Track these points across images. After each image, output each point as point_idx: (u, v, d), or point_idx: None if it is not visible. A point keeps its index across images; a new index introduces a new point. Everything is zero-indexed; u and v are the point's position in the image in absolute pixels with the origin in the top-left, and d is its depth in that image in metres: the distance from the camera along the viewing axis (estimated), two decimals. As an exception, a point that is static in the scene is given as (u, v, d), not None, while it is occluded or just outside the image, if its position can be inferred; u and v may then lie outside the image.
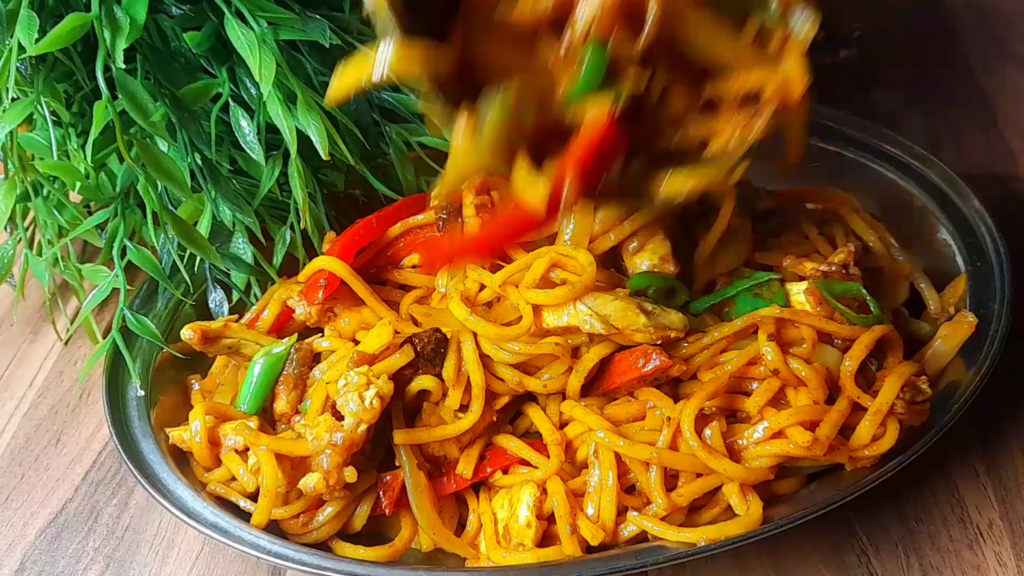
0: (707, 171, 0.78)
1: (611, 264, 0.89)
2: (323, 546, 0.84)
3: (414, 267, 0.97)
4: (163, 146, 0.95)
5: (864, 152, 1.11)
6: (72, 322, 1.11)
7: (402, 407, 0.86)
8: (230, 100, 0.96)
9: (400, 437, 0.84)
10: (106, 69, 0.89)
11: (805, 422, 0.80)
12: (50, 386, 1.06)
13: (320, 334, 0.95)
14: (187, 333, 0.93)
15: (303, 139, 0.93)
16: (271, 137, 0.98)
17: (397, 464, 0.84)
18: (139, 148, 0.92)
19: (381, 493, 0.84)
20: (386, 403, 0.83)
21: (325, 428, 0.82)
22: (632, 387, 0.86)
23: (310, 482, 0.82)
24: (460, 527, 0.86)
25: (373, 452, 0.85)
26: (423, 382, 0.85)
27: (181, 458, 0.89)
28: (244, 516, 0.84)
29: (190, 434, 0.88)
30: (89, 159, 0.96)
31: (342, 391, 0.82)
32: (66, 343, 1.10)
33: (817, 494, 0.82)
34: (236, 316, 0.98)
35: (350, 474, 0.81)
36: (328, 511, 0.83)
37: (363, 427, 0.82)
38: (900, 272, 0.97)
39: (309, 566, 0.79)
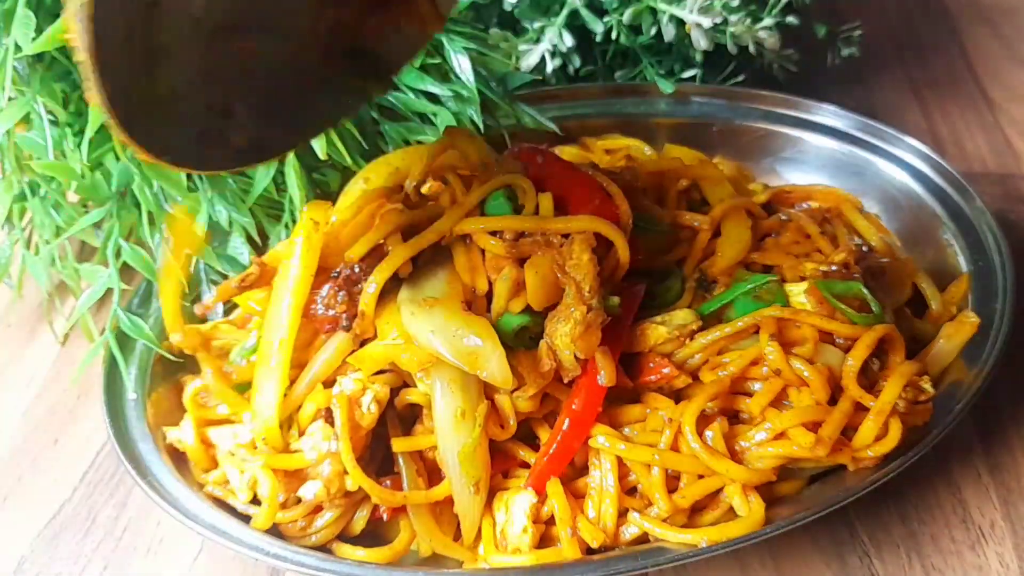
0: None
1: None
2: (323, 547, 0.84)
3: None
4: (160, 145, 0.95)
5: (866, 151, 1.10)
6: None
7: (396, 414, 0.86)
8: (228, 99, 0.95)
9: (399, 444, 0.84)
10: (103, 68, 0.89)
11: (808, 423, 0.80)
12: (48, 386, 1.06)
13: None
14: (175, 337, 0.93)
15: (301, 138, 0.93)
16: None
17: (396, 471, 0.84)
18: (136, 147, 0.92)
19: (380, 498, 0.84)
20: (383, 407, 0.82)
21: (322, 437, 0.82)
22: (638, 390, 0.86)
23: (311, 490, 0.81)
24: (460, 529, 0.85)
25: (372, 457, 0.85)
26: (413, 395, 0.84)
27: (179, 458, 0.89)
28: (242, 517, 0.84)
29: (183, 438, 0.88)
30: (85, 158, 0.95)
31: (336, 398, 0.82)
32: (63, 343, 1.10)
33: (819, 494, 0.82)
34: (225, 319, 0.98)
35: (351, 481, 0.81)
36: (327, 516, 0.83)
37: (362, 432, 0.82)
38: (902, 271, 0.96)
39: (308, 567, 0.78)
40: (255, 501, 0.85)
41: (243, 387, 0.90)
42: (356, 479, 0.80)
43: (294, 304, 0.85)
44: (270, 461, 0.83)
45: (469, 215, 0.86)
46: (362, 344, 0.85)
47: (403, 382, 0.85)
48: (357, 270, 0.85)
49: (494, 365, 0.78)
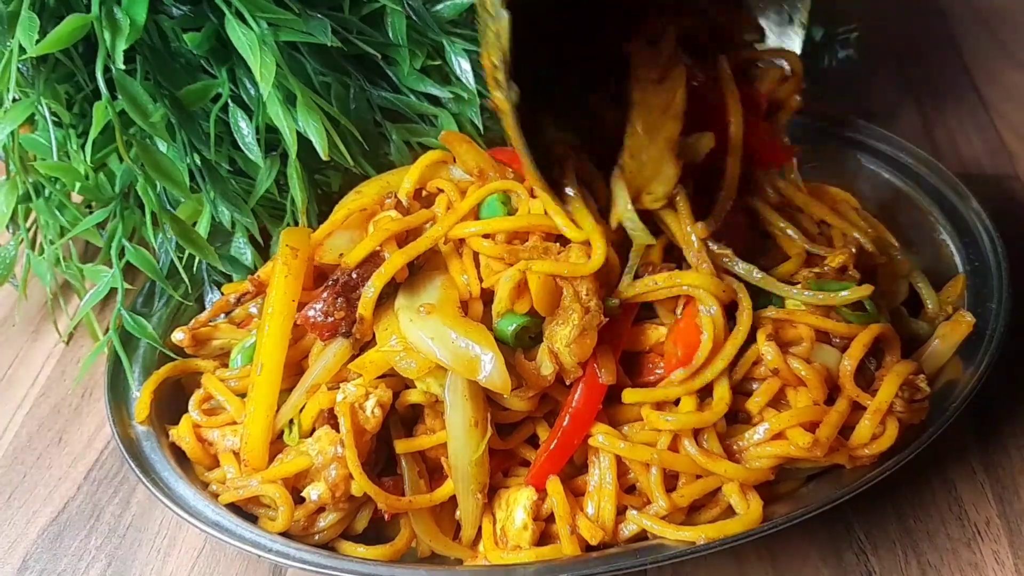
0: None
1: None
2: (325, 544, 0.84)
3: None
4: (162, 146, 0.96)
5: (863, 153, 1.11)
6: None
7: (398, 415, 0.86)
8: (229, 101, 0.96)
9: (402, 446, 0.84)
10: (106, 70, 0.90)
11: (805, 423, 0.81)
12: (52, 385, 1.06)
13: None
14: (178, 335, 0.93)
15: (301, 139, 0.94)
16: (270, 137, 0.98)
17: (398, 472, 0.85)
18: (138, 148, 0.93)
19: (381, 499, 0.84)
20: (387, 410, 0.83)
21: (328, 441, 0.82)
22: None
23: (315, 492, 0.82)
24: (460, 526, 0.86)
25: (376, 458, 0.86)
26: (413, 396, 0.85)
27: (183, 456, 0.89)
28: (245, 514, 0.84)
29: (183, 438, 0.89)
30: (89, 159, 0.96)
31: (339, 405, 0.82)
32: (67, 343, 1.11)
33: (816, 492, 0.82)
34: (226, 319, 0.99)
35: (356, 487, 0.81)
36: (330, 517, 0.84)
37: (367, 437, 0.82)
38: (899, 272, 0.97)
39: (310, 564, 0.79)
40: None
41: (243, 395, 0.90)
42: (362, 486, 0.81)
43: (274, 332, 0.86)
44: (267, 476, 0.84)
45: (464, 220, 0.87)
46: (361, 350, 0.86)
47: (404, 384, 0.86)
48: (355, 276, 0.86)
49: (492, 371, 0.79)
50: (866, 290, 0.84)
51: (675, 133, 0.85)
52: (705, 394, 0.84)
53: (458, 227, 0.87)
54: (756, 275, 0.86)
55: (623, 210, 0.83)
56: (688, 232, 0.85)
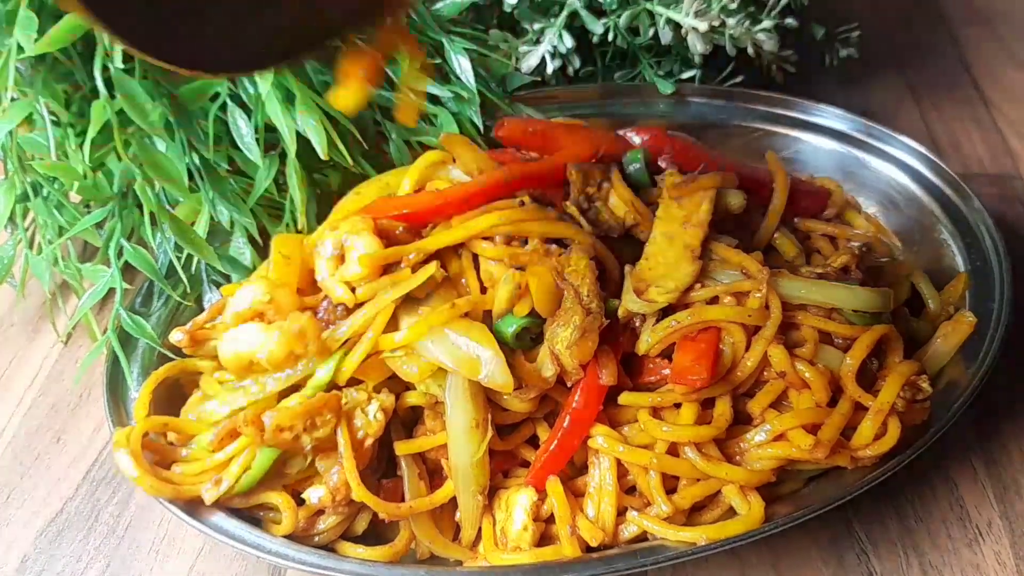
0: None
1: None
2: (325, 545, 0.84)
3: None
4: (161, 146, 0.95)
5: (863, 152, 1.11)
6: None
7: (398, 417, 0.86)
8: (228, 100, 0.96)
9: (402, 448, 0.84)
10: (104, 69, 0.89)
11: (807, 425, 0.80)
12: (51, 385, 1.06)
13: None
14: (176, 336, 0.93)
15: (301, 138, 0.93)
16: (269, 136, 0.98)
17: (399, 474, 0.84)
18: (137, 148, 0.93)
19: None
20: (389, 415, 0.83)
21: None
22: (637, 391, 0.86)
23: (315, 494, 0.82)
24: (460, 528, 0.85)
25: (377, 461, 0.85)
26: (414, 398, 0.85)
27: (181, 457, 0.89)
28: (244, 515, 0.84)
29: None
30: (87, 159, 0.96)
31: (345, 408, 0.82)
32: (66, 342, 1.11)
33: (817, 493, 0.82)
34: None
35: (356, 491, 0.81)
36: (330, 520, 0.84)
37: (370, 441, 0.82)
38: (900, 271, 0.97)
39: (309, 565, 0.79)
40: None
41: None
42: (361, 497, 0.80)
43: None
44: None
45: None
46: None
47: (404, 385, 0.85)
48: None
49: (494, 370, 0.79)
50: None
51: (697, 240, 0.86)
52: (706, 400, 0.83)
53: (457, 232, 0.86)
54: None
55: (630, 303, 0.84)
56: (752, 263, 0.86)
